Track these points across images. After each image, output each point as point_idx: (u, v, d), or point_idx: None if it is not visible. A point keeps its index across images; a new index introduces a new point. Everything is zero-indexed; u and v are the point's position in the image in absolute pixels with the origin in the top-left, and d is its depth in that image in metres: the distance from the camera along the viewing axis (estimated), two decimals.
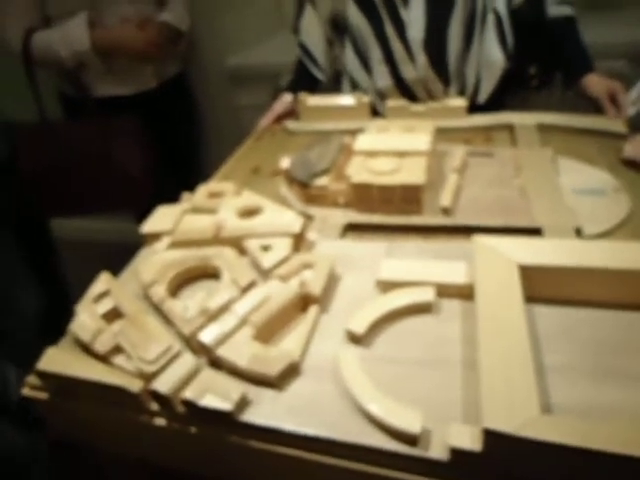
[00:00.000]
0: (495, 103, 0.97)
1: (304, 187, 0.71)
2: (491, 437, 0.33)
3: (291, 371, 0.44)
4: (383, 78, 0.97)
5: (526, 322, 0.40)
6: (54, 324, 0.51)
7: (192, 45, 1.46)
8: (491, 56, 0.93)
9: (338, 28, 1.01)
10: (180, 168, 1.33)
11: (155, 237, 0.66)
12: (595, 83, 0.90)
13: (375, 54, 0.95)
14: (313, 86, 1.07)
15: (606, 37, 1.19)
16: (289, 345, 0.47)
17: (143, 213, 0.69)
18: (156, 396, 0.44)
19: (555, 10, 0.92)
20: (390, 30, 0.92)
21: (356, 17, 0.95)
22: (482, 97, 0.97)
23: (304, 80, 1.08)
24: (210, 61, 1.56)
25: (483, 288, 0.44)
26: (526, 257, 0.46)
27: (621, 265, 0.45)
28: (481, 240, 0.49)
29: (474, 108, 0.93)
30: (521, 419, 0.32)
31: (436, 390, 0.41)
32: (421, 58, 0.92)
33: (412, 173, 0.64)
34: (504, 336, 0.38)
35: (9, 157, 1.13)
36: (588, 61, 0.95)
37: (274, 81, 1.52)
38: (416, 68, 0.93)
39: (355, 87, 1.03)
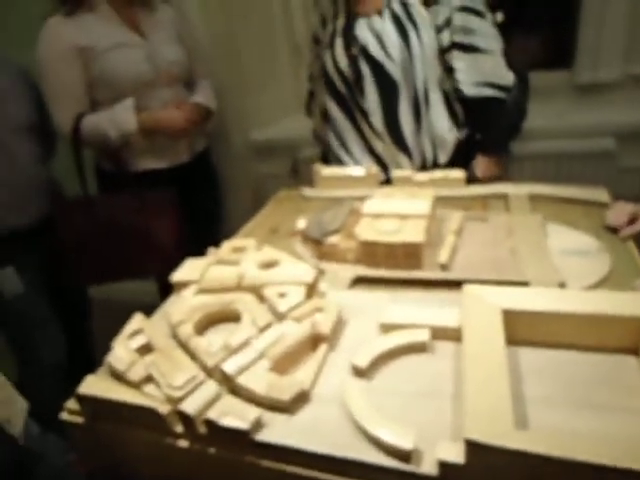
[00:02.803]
0: (458, 165, 1.08)
1: (317, 244, 0.79)
2: (471, 447, 0.38)
3: (302, 398, 0.50)
4: (361, 154, 1.17)
5: (506, 358, 0.46)
6: (78, 377, 0.57)
7: (219, 121, 1.61)
8: (439, 129, 1.11)
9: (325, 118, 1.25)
10: (207, 233, 1.43)
11: (183, 285, 0.74)
12: (479, 167, 1.11)
13: (351, 136, 1.17)
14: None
15: (594, 118, 1.31)
16: (301, 376, 0.53)
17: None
18: (182, 417, 0.51)
19: (484, 91, 1.06)
20: (359, 116, 1.14)
21: (333, 108, 1.17)
22: (442, 162, 1.13)
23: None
24: (236, 135, 1.72)
25: (469, 330, 0.50)
26: (509, 303, 0.53)
27: (595, 311, 0.51)
28: (470, 288, 0.56)
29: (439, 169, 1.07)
30: (497, 431, 0.38)
31: (428, 417, 0.47)
32: (385, 137, 1.12)
33: (413, 233, 0.72)
34: (486, 369, 0.44)
35: (48, 219, 1.24)
36: (487, 143, 1.13)
37: (292, 153, 1.67)
38: (384, 143, 1.13)
39: (340, 163, 1.21)
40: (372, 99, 1.09)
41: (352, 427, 0.47)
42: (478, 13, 1.03)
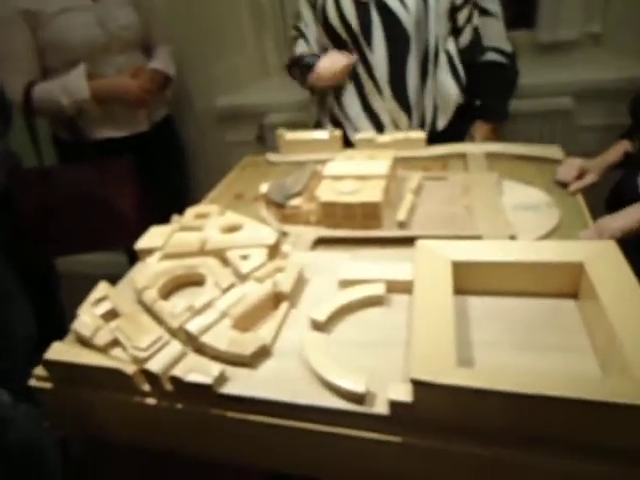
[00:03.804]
0: (453, 130, 1.10)
1: (280, 208, 0.80)
2: (417, 386, 0.41)
3: (263, 352, 0.53)
4: (355, 110, 1.11)
5: (452, 306, 0.49)
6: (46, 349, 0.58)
7: (182, 89, 1.58)
8: (446, 89, 1.08)
9: None
10: (171, 202, 1.42)
11: (148, 252, 0.75)
12: (478, 133, 1.10)
13: (349, 89, 1.10)
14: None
15: (553, 77, 1.34)
16: (262, 332, 0.56)
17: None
18: (148, 376, 0.52)
19: (488, 56, 1.06)
20: (360, 68, 1.07)
21: None
22: (440, 125, 1.11)
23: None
24: (200, 102, 1.69)
25: (420, 281, 0.53)
26: (459, 255, 0.56)
27: (537, 259, 0.54)
28: (422, 243, 0.58)
29: (434, 135, 1.06)
30: (440, 370, 0.41)
31: (382, 363, 0.50)
32: (387, 92, 1.07)
33: (371, 193, 0.74)
34: (432, 316, 0.47)
35: (6, 192, 1.21)
36: (489, 109, 1.11)
37: (258, 120, 1.65)
38: (383, 99, 1.08)
39: (333, 120, 1.16)
40: (379, 51, 1.03)
41: (310, 376, 0.49)
42: None
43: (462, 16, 1.03)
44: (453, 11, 1.03)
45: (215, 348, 0.53)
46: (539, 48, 1.47)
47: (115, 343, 0.57)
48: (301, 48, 1.17)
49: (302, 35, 1.17)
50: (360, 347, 0.53)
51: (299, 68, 1.15)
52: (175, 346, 0.54)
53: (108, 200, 1.20)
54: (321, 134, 1.06)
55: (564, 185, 0.82)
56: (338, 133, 1.05)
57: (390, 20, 1.01)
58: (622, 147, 0.81)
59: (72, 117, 1.20)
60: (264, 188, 0.87)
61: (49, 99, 1.16)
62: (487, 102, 1.12)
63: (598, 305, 0.47)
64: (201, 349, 0.55)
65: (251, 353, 0.51)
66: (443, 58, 1.06)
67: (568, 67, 1.39)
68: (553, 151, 0.93)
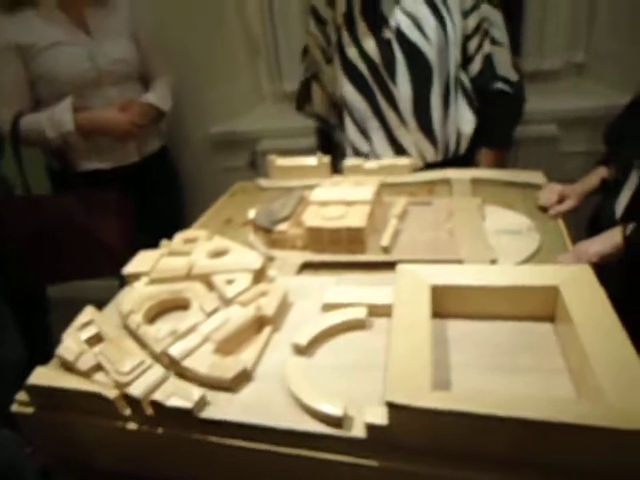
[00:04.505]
0: (471, 154, 1.13)
1: (267, 232, 0.82)
2: (393, 409, 0.42)
3: (244, 376, 0.53)
4: (381, 142, 1.12)
5: (430, 329, 0.49)
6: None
7: (176, 117, 1.60)
8: (464, 117, 1.10)
9: (335, 105, 1.19)
10: (166, 229, 1.42)
11: (135, 277, 0.75)
12: (485, 161, 1.10)
13: (372, 123, 1.11)
14: (336, 148, 1.24)
15: (538, 105, 1.37)
16: (244, 356, 0.56)
17: None
18: (129, 401, 0.52)
19: (495, 85, 1.09)
20: (383, 103, 1.08)
21: (352, 94, 1.10)
22: (462, 150, 1.12)
23: (328, 144, 1.27)
24: (195, 130, 1.72)
25: (399, 305, 0.54)
26: (438, 279, 0.57)
27: (514, 283, 0.55)
28: (403, 267, 0.59)
29: (457, 160, 1.09)
30: (414, 393, 0.42)
31: (361, 387, 0.50)
32: (412, 124, 1.08)
33: (356, 218, 0.76)
34: (410, 339, 0.48)
35: None
36: (494, 136, 1.12)
37: (252, 146, 1.68)
38: (408, 131, 1.09)
39: (357, 153, 1.16)
40: (403, 84, 1.04)
41: (290, 400, 0.49)
42: (496, 5, 1.04)
43: (473, 45, 1.05)
44: (465, 40, 1.05)
45: (196, 372, 0.53)
46: (525, 76, 1.51)
47: (98, 368, 0.57)
48: (314, 93, 1.21)
49: (315, 78, 1.20)
50: (340, 370, 0.53)
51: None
52: (157, 370, 0.54)
53: (95, 231, 1.21)
54: (310, 160, 1.09)
55: (545, 210, 0.84)
56: (326, 159, 1.07)
57: (413, 53, 1.03)
58: (599, 174, 0.83)
59: (60, 148, 1.23)
60: (252, 213, 0.88)
61: (35, 130, 1.19)
62: (492, 130, 1.13)
63: (572, 328, 0.48)
64: (183, 373, 0.55)
65: (232, 377, 0.52)
66: (459, 89, 1.08)
67: (552, 95, 1.44)
68: (536, 177, 0.95)
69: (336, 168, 1.09)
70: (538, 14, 1.44)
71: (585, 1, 1.42)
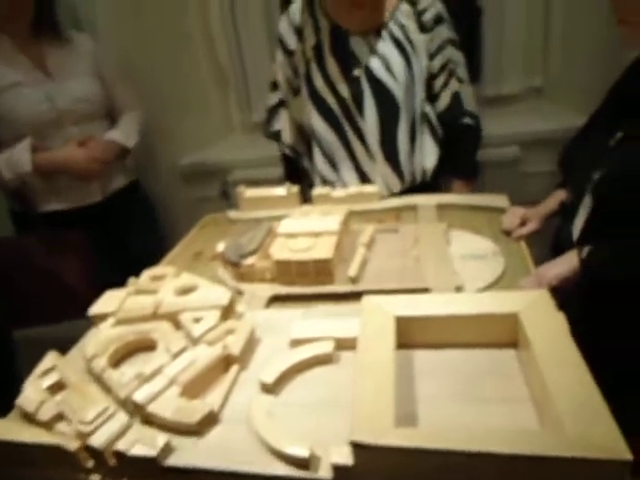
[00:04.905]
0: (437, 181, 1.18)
1: (235, 266, 0.82)
2: (357, 449, 0.42)
3: (210, 419, 0.52)
4: (349, 173, 1.15)
5: (394, 361, 0.50)
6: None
7: (147, 151, 1.59)
8: (429, 149, 1.14)
9: (302, 134, 1.22)
10: (141, 266, 1.39)
11: (101, 318, 0.74)
12: (457, 191, 1.14)
13: (340, 154, 1.14)
14: (305, 176, 1.26)
15: (500, 128, 1.42)
16: (211, 399, 0.55)
17: None
18: (91, 452, 0.51)
19: (463, 120, 1.13)
20: (351, 135, 1.12)
21: (320, 126, 1.13)
22: (428, 178, 1.16)
23: (296, 172, 1.28)
24: (165, 162, 1.72)
25: (364, 338, 0.54)
26: (402, 310, 0.57)
27: (477, 311, 0.56)
28: (368, 299, 0.60)
29: (423, 186, 1.13)
30: (378, 431, 0.41)
31: (328, 425, 0.50)
32: (379, 156, 1.11)
33: (323, 250, 0.76)
34: (374, 374, 0.48)
35: None
36: (464, 168, 1.18)
37: (223, 176, 1.69)
38: (376, 163, 1.12)
39: (325, 182, 1.19)
40: (370, 119, 1.08)
41: (257, 442, 0.49)
42: (457, 45, 1.11)
43: (439, 83, 1.11)
44: (430, 78, 1.11)
45: (161, 417, 0.52)
46: (485, 101, 1.57)
47: (60, 417, 0.55)
48: (283, 120, 1.23)
49: (283, 105, 1.22)
50: (308, 408, 0.53)
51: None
52: (120, 417, 0.53)
53: (56, 273, 1.19)
54: (279, 191, 1.09)
55: (509, 233, 0.86)
56: (295, 189, 1.08)
57: (381, 91, 1.07)
58: (558, 197, 0.85)
59: (19, 189, 1.21)
60: (221, 247, 0.88)
61: None
62: (462, 162, 1.19)
63: (532, 356, 0.49)
64: (148, 419, 0.54)
65: (197, 421, 0.51)
66: (425, 122, 1.12)
67: (513, 119, 1.49)
68: (500, 200, 0.97)
69: (305, 196, 1.10)
70: (495, 41, 1.50)
71: (539, 28, 1.49)
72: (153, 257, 1.48)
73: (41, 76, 1.21)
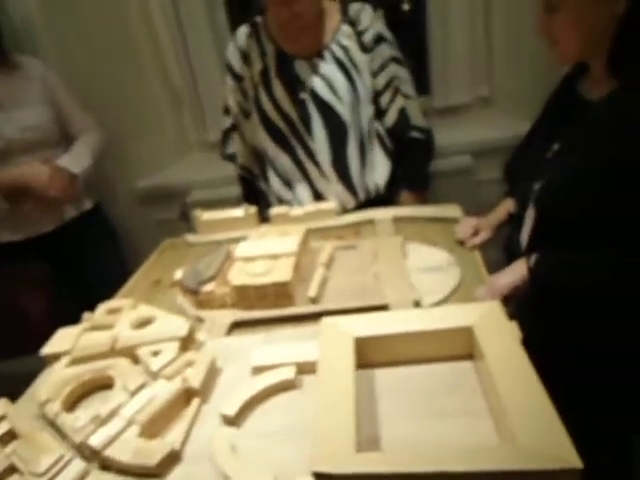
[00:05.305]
0: (390, 194, 1.19)
1: (194, 294, 0.80)
2: (319, 479, 0.41)
3: (171, 459, 0.51)
4: (304, 193, 1.16)
5: (353, 383, 0.50)
6: None
7: (102, 175, 1.54)
8: (380, 164, 1.16)
9: (256, 156, 1.23)
10: (102, 290, 1.35)
11: (55, 358, 0.71)
12: (407, 202, 1.18)
13: (295, 175, 1.15)
14: (262, 196, 1.26)
15: (451, 138, 1.46)
16: (172, 436, 0.54)
17: None
18: None
19: (410, 133, 1.16)
20: (303, 157, 1.13)
21: (273, 148, 1.15)
22: (381, 191, 1.17)
23: (254, 192, 1.28)
24: (121, 185, 1.68)
25: (323, 361, 0.54)
26: (360, 330, 0.58)
27: (432, 327, 0.57)
28: (327, 321, 0.60)
29: (378, 199, 1.14)
30: (338, 458, 0.41)
31: (292, 454, 0.50)
32: (332, 176, 1.13)
33: (282, 272, 0.76)
34: (333, 397, 0.48)
35: None
36: (413, 180, 1.21)
37: (182, 197, 1.66)
38: (329, 183, 1.13)
39: (281, 201, 1.19)
40: (320, 140, 1.10)
41: (221, 479, 0.48)
42: (402, 62, 1.13)
43: (385, 99, 1.13)
44: (376, 96, 1.13)
45: (119, 461, 0.50)
46: (436, 112, 1.61)
47: (12, 470, 0.53)
48: (236, 144, 1.23)
49: (235, 129, 1.22)
50: (272, 438, 0.52)
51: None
52: (77, 465, 0.51)
53: (11, 306, 1.14)
54: (236, 212, 1.09)
55: (462, 243, 0.88)
56: (253, 210, 1.08)
57: (327, 112, 1.09)
58: (506, 206, 0.88)
59: None
60: (179, 274, 0.86)
61: None
62: (411, 174, 1.22)
63: (487, 368, 0.50)
64: (106, 464, 0.52)
65: (157, 462, 0.49)
66: (374, 138, 1.15)
67: (464, 128, 1.53)
68: (452, 210, 1.00)
69: (263, 216, 1.10)
70: (440, 55, 1.55)
71: (481, 40, 1.54)
72: (116, 281, 1.44)
73: None
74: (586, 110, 0.70)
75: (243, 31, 1.14)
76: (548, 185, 0.68)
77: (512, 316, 0.58)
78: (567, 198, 0.64)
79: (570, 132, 0.69)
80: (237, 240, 0.96)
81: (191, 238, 1.11)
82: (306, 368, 0.59)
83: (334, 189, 1.14)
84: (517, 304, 0.70)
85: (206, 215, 1.10)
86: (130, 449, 0.51)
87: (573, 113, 0.73)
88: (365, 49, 1.10)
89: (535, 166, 0.74)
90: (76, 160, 1.28)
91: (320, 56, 1.09)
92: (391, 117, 1.14)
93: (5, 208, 1.18)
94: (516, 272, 0.70)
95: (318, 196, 1.16)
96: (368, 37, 1.09)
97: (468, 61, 1.55)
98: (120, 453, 0.51)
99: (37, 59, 1.32)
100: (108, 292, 1.12)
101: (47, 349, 0.73)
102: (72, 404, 0.63)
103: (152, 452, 0.50)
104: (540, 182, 0.70)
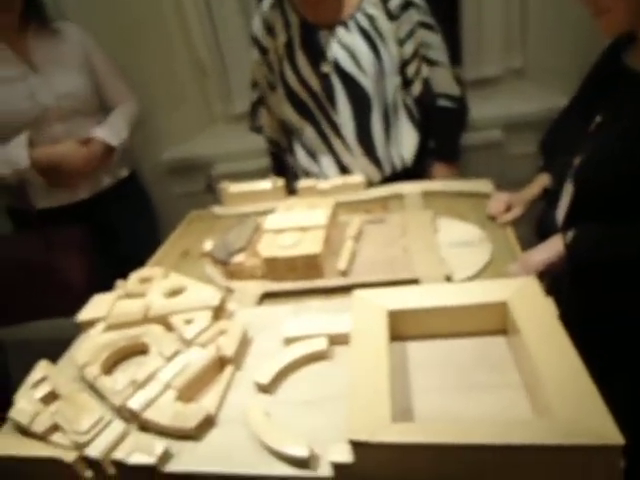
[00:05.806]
0: (420, 167, 1.17)
1: (224, 265, 0.81)
2: (356, 446, 0.42)
3: (207, 423, 0.52)
4: (329, 166, 1.15)
5: (387, 355, 0.50)
6: None
7: (129, 147, 1.55)
8: (407, 135, 1.14)
9: (284, 129, 1.22)
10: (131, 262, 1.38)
11: (90, 324, 0.73)
12: (438, 174, 1.15)
13: (320, 148, 1.15)
14: (289, 169, 1.26)
15: (482, 111, 1.42)
16: (207, 401, 0.55)
17: None
18: (89, 462, 0.51)
19: (439, 102, 1.13)
20: (328, 130, 1.12)
21: (298, 121, 1.14)
22: (409, 164, 1.15)
23: (281, 165, 1.29)
24: (147, 157, 1.69)
25: (356, 333, 0.54)
26: (394, 303, 0.58)
27: (466, 302, 0.57)
28: (359, 293, 0.60)
29: (407, 173, 1.13)
30: (376, 427, 0.42)
31: (327, 421, 0.50)
32: (356, 150, 1.11)
33: (311, 244, 0.76)
34: (367, 368, 0.48)
35: None
36: (443, 150, 1.18)
37: (207, 169, 1.67)
38: (354, 156, 1.12)
39: (308, 174, 1.19)
40: (344, 113, 1.09)
41: (255, 444, 0.49)
42: (432, 28, 1.09)
43: (411, 69, 1.10)
44: (403, 65, 1.09)
45: (158, 423, 0.52)
46: (467, 84, 1.56)
47: (56, 428, 0.55)
48: (263, 117, 1.23)
49: (263, 102, 1.21)
50: (305, 406, 0.53)
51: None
52: (117, 426, 0.53)
53: (54, 270, 1.17)
54: (264, 184, 1.08)
55: (494, 219, 0.86)
56: (281, 182, 1.07)
57: (350, 84, 1.07)
58: (541, 182, 0.86)
59: (19, 186, 1.18)
60: (207, 245, 0.87)
61: None
62: (440, 144, 1.19)
63: (522, 343, 0.50)
64: (145, 425, 0.54)
65: (195, 426, 0.51)
66: (401, 109, 1.12)
67: (495, 101, 1.49)
68: (484, 185, 0.98)
69: (290, 188, 1.10)
70: (473, 24, 1.49)
71: (517, 10, 1.48)
72: (151, 250, 1.46)
73: (26, 70, 1.17)
74: (633, 81, 0.67)
75: (268, 2, 1.12)
76: (590, 159, 0.66)
77: (548, 292, 0.57)
78: (611, 171, 0.62)
79: (615, 104, 0.66)
80: (264, 212, 0.96)
81: (218, 210, 1.11)
82: (337, 339, 0.60)
83: (359, 163, 1.12)
84: (552, 280, 0.69)
85: (233, 187, 1.10)
86: (168, 412, 0.53)
87: (618, 84, 0.70)
88: (392, 16, 1.06)
89: (574, 140, 0.71)
90: (114, 132, 1.27)
91: (345, 26, 1.06)
92: (417, 87, 1.11)
93: (39, 180, 1.20)
94: (551, 248, 0.69)
95: (344, 169, 1.15)
96: (395, 3, 1.05)
97: (501, 30, 1.49)
98: (159, 416, 0.52)
99: (75, 24, 1.30)
100: (143, 260, 1.16)
101: (82, 315, 0.75)
102: (109, 368, 0.65)
103: (189, 415, 0.52)
104: (581, 156, 0.68)
